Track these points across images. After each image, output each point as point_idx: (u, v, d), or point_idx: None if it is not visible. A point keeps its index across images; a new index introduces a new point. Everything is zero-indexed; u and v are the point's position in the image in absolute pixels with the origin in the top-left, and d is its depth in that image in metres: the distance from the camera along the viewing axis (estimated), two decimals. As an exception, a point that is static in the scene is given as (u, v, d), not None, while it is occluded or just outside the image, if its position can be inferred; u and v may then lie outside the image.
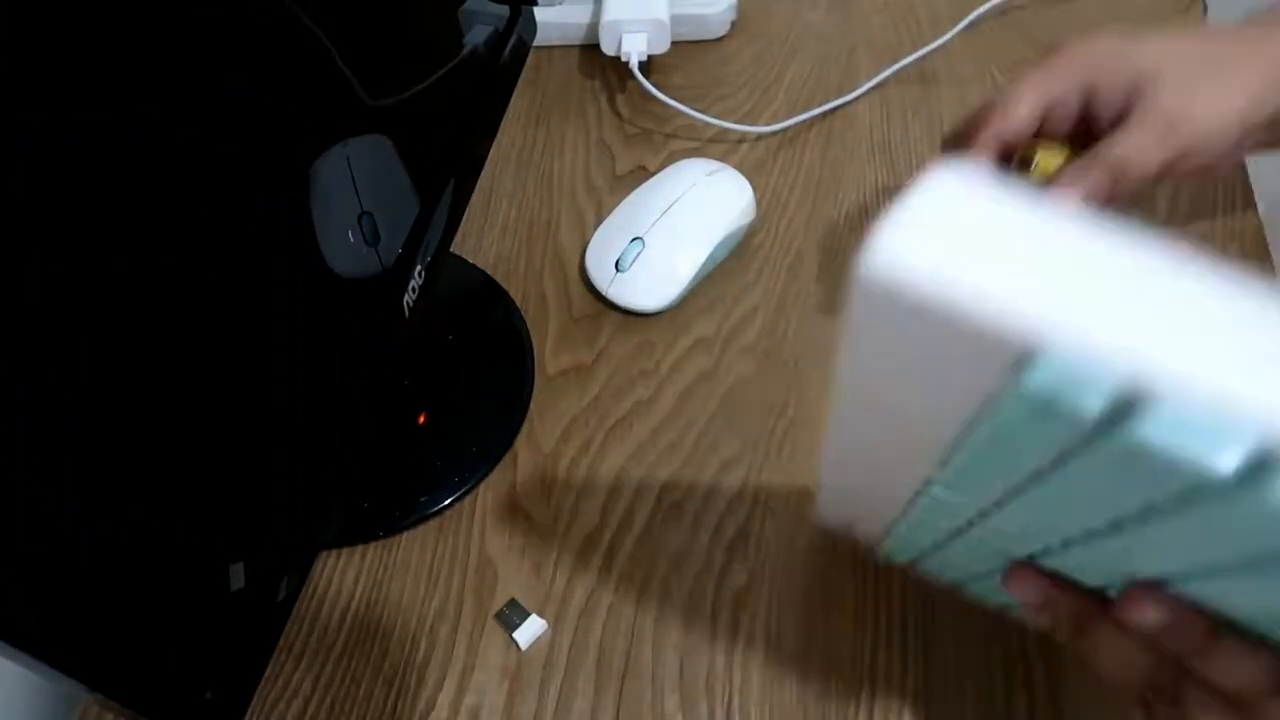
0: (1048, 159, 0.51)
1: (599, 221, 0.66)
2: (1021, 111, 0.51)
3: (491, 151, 0.62)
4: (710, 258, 0.63)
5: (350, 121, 0.48)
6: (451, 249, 0.58)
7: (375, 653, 0.52)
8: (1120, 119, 0.50)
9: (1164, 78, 0.49)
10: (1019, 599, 0.33)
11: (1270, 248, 0.62)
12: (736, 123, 0.72)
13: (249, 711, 0.43)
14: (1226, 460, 0.20)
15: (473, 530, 0.55)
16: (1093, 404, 0.21)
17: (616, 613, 0.52)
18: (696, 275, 0.63)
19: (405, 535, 0.55)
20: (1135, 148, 0.48)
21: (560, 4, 0.79)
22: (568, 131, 0.74)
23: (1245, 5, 0.54)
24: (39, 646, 0.33)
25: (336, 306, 0.48)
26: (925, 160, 0.69)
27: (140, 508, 0.37)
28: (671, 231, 0.63)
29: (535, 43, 0.66)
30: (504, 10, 0.62)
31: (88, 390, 0.34)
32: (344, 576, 0.54)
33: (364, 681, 0.51)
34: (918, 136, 0.71)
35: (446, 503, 0.56)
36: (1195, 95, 0.48)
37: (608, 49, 0.74)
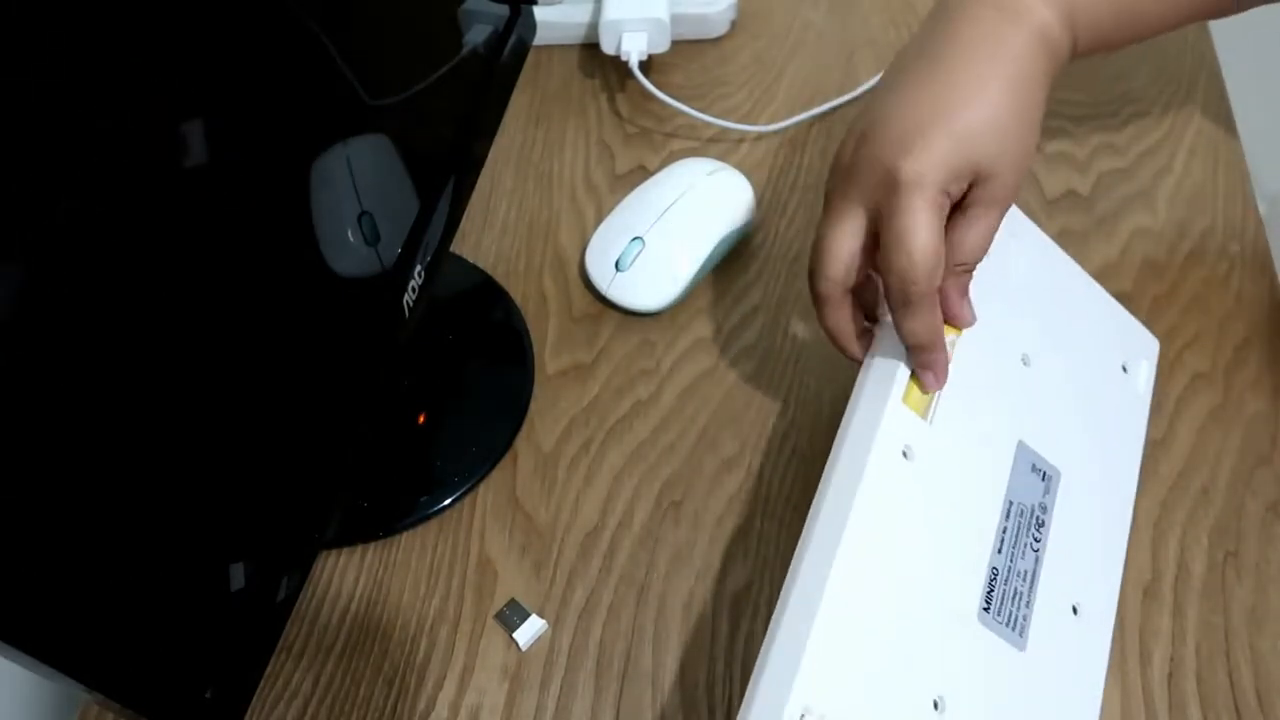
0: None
1: (599, 221, 0.66)
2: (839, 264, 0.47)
3: (491, 151, 0.62)
4: (710, 258, 0.63)
5: (350, 121, 0.48)
6: (451, 249, 0.58)
7: (375, 653, 0.52)
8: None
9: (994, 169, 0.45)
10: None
11: (1270, 247, 0.62)
12: (736, 122, 0.72)
13: (249, 711, 0.43)
14: None
15: (473, 530, 0.55)
16: None
17: (616, 613, 0.52)
18: (696, 275, 0.63)
19: (405, 535, 0.55)
20: (987, 234, 0.46)
21: (560, 4, 0.79)
22: (568, 131, 0.74)
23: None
24: (39, 646, 0.33)
25: (336, 306, 0.48)
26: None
27: (140, 507, 0.37)
28: (671, 231, 0.63)
29: (535, 43, 0.66)
30: (504, 10, 0.62)
31: (88, 390, 0.34)
32: (344, 576, 0.54)
33: (364, 681, 0.51)
34: (918, 136, 0.71)
35: (446, 503, 0.56)
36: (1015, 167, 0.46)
37: (607, 48, 0.74)
